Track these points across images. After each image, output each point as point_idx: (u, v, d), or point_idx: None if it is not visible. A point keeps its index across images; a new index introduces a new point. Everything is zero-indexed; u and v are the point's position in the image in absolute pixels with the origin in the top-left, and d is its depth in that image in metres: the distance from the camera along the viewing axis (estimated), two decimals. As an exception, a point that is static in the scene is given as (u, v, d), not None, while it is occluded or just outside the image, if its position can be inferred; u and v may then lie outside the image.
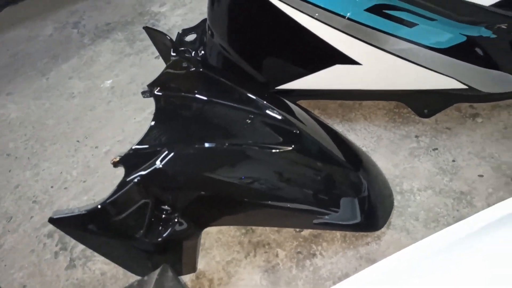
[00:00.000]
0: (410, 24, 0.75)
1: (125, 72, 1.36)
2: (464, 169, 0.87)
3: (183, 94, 0.76)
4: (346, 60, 0.85)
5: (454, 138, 0.93)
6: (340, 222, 0.80)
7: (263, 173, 0.78)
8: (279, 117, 0.76)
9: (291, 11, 0.82)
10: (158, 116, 0.74)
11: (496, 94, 0.87)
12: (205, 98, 0.76)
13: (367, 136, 0.98)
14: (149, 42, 1.35)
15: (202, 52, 1.06)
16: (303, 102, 1.07)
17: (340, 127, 1.02)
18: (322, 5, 0.78)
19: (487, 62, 0.77)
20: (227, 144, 0.71)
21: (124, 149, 1.11)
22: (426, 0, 0.69)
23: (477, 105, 0.97)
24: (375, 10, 0.75)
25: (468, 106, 0.97)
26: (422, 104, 0.95)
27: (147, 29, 0.97)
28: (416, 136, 0.95)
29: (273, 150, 0.73)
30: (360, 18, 0.77)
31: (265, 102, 0.78)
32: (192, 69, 0.77)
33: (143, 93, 0.79)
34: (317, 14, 0.79)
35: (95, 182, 1.05)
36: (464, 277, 0.53)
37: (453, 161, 0.89)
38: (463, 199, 0.83)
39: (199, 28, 1.13)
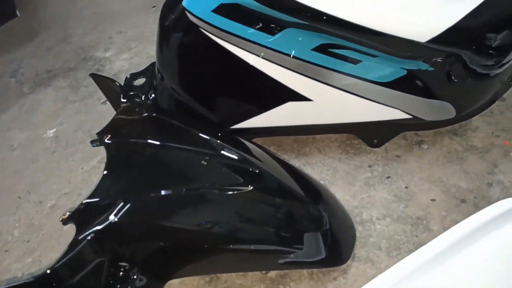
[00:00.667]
0: (354, 61, 0.79)
1: (70, 119, 1.30)
2: (417, 195, 0.91)
3: (135, 140, 0.73)
4: (297, 97, 0.87)
5: (404, 165, 0.97)
6: (306, 260, 0.79)
7: (224, 217, 0.76)
8: (236, 157, 0.76)
9: (239, 51, 0.83)
10: (110, 165, 0.71)
11: (438, 121, 0.93)
12: (159, 143, 0.74)
13: (323, 169, 1.00)
14: (94, 87, 1.31)
15: (153, 95, 1.04)
16: (258, 140, 1.08)
17: (296, 162, 1.03)
18: (271, 46, 0.80)
19: (427, 92, 0.82)
20: (184, 190, 0.69)
21: (71, 202, 1.05)
22: (367, 38, 0.73)
23: (421, 132, 1.02)
24: (321, 49, 0.79)
25: (413, 134, 1.02)
26: (371, 135, 0.99)
27: (94, 76, 0.94)
28: (369, 166, 0.98)
29: (233, 192, 0.72)
30: (308, 57, 0.80)
31: (220, 142, 0.78)
32: (145, 114, 0.76)
33: (92, 141, 0.75)
34: (265, 54, 0.81)
35: (40, 241, 0.97)
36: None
37: (406, 187, 0.93)
38: (420, 224, 0.86)
39: (147, 71, 1.11)
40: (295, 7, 0.72)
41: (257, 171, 0.76)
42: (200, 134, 0.75)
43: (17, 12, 1.89)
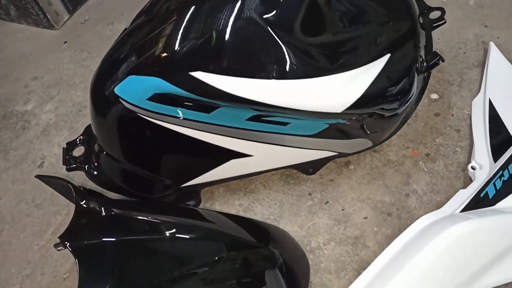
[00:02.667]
0: (284, 124, 0.89)
1: (8, 191, 1.27)
2: (352, 215, 1.06)
3: (100, 241, 0.78)
4: (239, 155, 0.96)
5: (338, 188, 1.12)
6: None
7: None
8: (197, 235, 0.84)
9: (180, 128, 0.89)
10: (83, 270, 0.75)
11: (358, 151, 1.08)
12: (124, 239, 0.79)
13: (271, 204, 1.12)
14: (25, 149, 1.29)
15: (95, 164, 1.07)
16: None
17: (246, 201, 1.13)
18: (208, 121, 0.87)
19: (346, 136, 0.95)
20: (156, 283, 0.76)
21: (36, 283, 1.06)
22: (291, 114, 0.83)
23: (347, 153, 1.17)
24: (254, 119, 0.87)
25: (341, 155, 1.17)
26: (306, 166, 1.12)
27: (40, 178, 0.95)
28: (309, 194, 1.12)
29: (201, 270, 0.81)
30: (243, 126, 0.88)
31: (178, 221, 0.85)
32: (103, 214, 0.80)
33: (56, 245, 0.79)
34: (204, 127, 0.88)
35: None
36: None
37: (343, 209, 1.08)
38: (358, 243, 1.02)
39: (85, 136, 1.12)
40: (221, 96, 0.79)
41: (218, 240, 0.85)
42: (158, 219, 0.82)
43: None
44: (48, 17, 1.72)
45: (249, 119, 0.88)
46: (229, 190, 1.15)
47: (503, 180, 0.98)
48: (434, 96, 1.27)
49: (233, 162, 0.98)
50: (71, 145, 1.13)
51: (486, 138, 1.11)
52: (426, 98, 1.27)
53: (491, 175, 0.99)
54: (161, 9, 0.87)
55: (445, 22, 1.01)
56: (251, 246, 0.95)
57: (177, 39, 0.80)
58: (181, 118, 0.86)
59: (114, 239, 0.79)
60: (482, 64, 1.32)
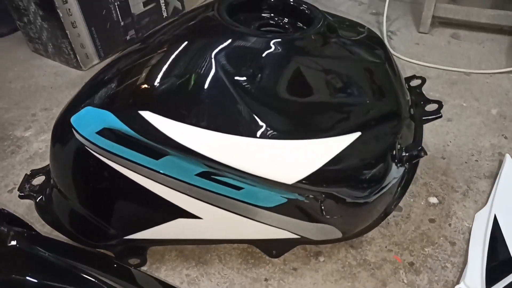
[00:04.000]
0: (237, 188, 0.80)
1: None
2: (307, 316, 0.90)
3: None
4: (187, 214, 0.86)
5: (299, 280, 0.96)
6: None
7: None
8: None
9: (127, 171, 0.82)
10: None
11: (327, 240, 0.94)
12: (14, 279, 0.69)
13: (220, 282, 0.98)
14: (4, 172, 1.27)
15: (47, 198, 1.00)
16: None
17: (195, 272, 1.00)
18: (156, 169, 0.80)
19: (308, 217, 0.83)
20: None
21: None
22: (240, 175, 0.74)
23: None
24: (204, 175, 0.79)
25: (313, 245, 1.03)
26: (270, 246, 0.99)
27: None
28: (266, 280, 0.97)
29: None
30: (192, 181, 0.80)
31: (98, 276, 0.74)
32: (8, 244, 0.72)
33: None
34: (151, 175, 0.80)
35: None
36: None
37: (298, 306, 0.92)
38: None
39: (48, 169, 1.08)
40: (167, 142, 0.73)
41: None
42: (73, 267, 0.72)
43: None
44: (78, 58, 1.82)
45: (199, 175, 0.80)
46: (182, 256, 1.03)
47: (492, 312, 0.79)
48: (433, 200, 1.14)
49: (180, 222, 0.88)
50: (34, 173, 1.09)
51: (483, 258, 0.94)
52: (424, 201, 1.13)
53: (479, 304, 0.82)
54: (134, 49, 0.87)
55: (440, 117, 0.92)
56: None
57: (131, 75, 0.78)
58: (129, 159, 0.80)
59: (11, 277, 0.70)
60: (494, 176, 1.18)
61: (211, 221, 0.88)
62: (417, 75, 1.05)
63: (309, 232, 0.88)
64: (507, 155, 1.20)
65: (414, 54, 1.78)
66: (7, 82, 1.82)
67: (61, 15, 1.70)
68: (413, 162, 0.84)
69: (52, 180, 0.99)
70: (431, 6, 1.88)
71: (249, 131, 0.71)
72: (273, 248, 1.00)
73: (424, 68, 1.68)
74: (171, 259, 1.03)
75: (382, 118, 0.79)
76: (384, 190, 0.85)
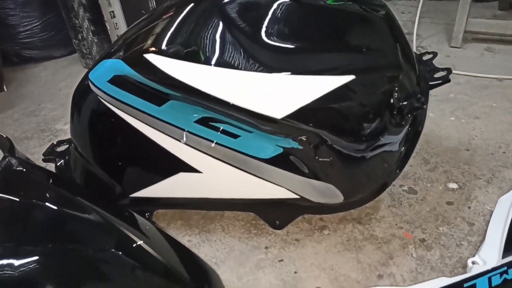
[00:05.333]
0: (233, 136, 0.82)
1: None
2: (304, 281, 0.85)
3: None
4: (188, 168, 0.88)
5: (300, 250, 0.93)
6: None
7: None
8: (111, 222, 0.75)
9: (132, 120, 0.87)
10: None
11: (333, 206, 0.91)
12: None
13: (220, 247, 0.96)
14: (40, 156, 1.37)
15: (66, 161, 1.07)
16: (168, 212, 1.07)
17: (197, 238, 1.00)
18: (158, 116, 0.84)
19: (305, 172, 0.82)
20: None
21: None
22: (234, 112, 0.76)
23: (326, 218, 1.00)
24: (203, 122, 0.82)
25: (319, 219, 1.00)
26: (273, 216, 0.97)
27: None
28: (266, 247, 0.94)
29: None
30: (191, 129, 0.83)
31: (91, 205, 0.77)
32: (18, 168, 0.77)
33: None
34: (154, 124, 0.84)
35: None
36: None
37: (295, 272, 0.87)
38: (296, 313, 0.79)
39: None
40: (170, 82, 0.77)
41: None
42: (81, 201, 0.76)
43: (4, 87, 2.08)
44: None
45: (198, 122, 0.83)
46: (187, 224, 1.04)
47: (505, 278, 0.71)
48: (453, 185, 1.07)
49: (182, 177, 0.90)
50: (59, 143, 1.17)
51: (503, 234, 0.85)
52: (442, 186, 1.07)
53: (490, 269, 0.74)
54: (145, 17, 0.95)
55: (448, 81, 0.90)
56: (172, 274, 0.80)
57: (140, 31, 0.85)
58: (135, 107, 0.85)
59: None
60: (523, 166, 1.09)
61: (211, 176, 0.89)
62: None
63: (308, 191, 0.86)
64: (538, 145, 1.12)
65: (443, 64, 1.75)
66: (57, 89, 2.01)
67: (108, 27, 1.89)
68: (414, 114, 0.81)
69: (72, 144, 1.07)
70: (463, 20, 1.86)
71: (243, 65, 0.74)
72: (276, 218, 0.98)
73: (453, 76, 1.64)
74: (176, 227, 1.04)
75: (379, 66, 0.78)
76: (382, 149, 0.83)
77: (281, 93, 0.73)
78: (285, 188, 0.86)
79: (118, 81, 0.85)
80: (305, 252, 0.92)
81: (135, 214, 0.90)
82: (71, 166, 1.06)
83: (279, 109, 0.73)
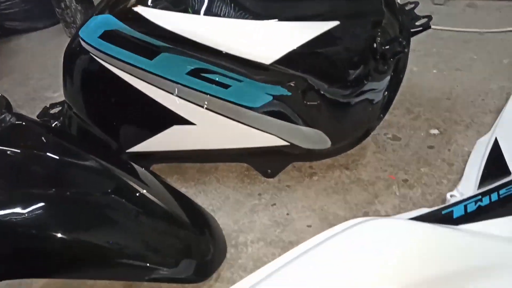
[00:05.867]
0: (224, 86, 0.85)
1: None
2: (296, 221, 0.91)
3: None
4: (181, 121, 0.92)
5: (292, 195, 0.98)
6: (172, 276, 0.79)
7: (102, 229, 0.77)
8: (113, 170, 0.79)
9: (125, 75, 0.90)
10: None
11: (321, 152, 0.96)
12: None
13: (215, 197, 1.01)
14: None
15: (61, 122, 1.10)
16: (164, 167, 1.11)
17: (193, 189, 1.05)
18: (150, 70, 0.87)
19: (294, 119, 0.86)
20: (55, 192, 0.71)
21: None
22: (225, 61, 0.79)
23: (316, 165, 1.05)
24: (194, 73, 0.85)
25: (308, 166, 1.05)
26: (264, 165, 1.02)
27: None
28: (259, 194, 1.00)
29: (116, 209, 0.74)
30: (184, 81, 0.86)
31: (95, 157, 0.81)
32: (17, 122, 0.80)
33: None
34: (147, 78, 0.87)
35: None
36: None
37: (287, 214, 0.93)
38: (289, 248, 0.84)
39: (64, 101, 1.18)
40: (161, 33, 0.80)
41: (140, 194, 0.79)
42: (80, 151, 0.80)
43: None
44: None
45: (190, 73, 0.86)
46: (183, 178, 1.08)
47: (479, 205, 0.77)
48: (434, 131, 1.12)
49: (175, 130, 0.94)
50: (52, 106, 1.20)
51: (479, 170, 0.91)
52: (424, 132, 1.12)
53: (466, 198, 0.80)
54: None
55: (429, 27, 0.94)
56: (175, 222, 0.85)
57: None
58: (127, 62, 0.87)
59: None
60: (500, 112, 1.15)
61: (204, 127, 0.92)
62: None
63: (297, 138, 0.91)
64: (514, 91, 1.17)
65: (427, 21, 1.78)
66: (44, 60, 2.00)
67: (92, -6, 1.86)
68: (396, 58, 0.85)
69: (66, 105, 1.09)
70: (445, -23, 1.88)
71: (232, 13, 0.77)
72: (268, 167, 1.03)
73: (436, 32, 1.67)
74: (172, 181, 1.08)
75: (362, 12, 0.82)
76: (367, 95, 0.87)
77: (269, 40, 0.76)
78: (276, 135, 0.91)
79: (109, 36, 0.87)
80: (296, 196, 0.98)
81: (135, 165, 0.94)
82: (67, 126, 1.09)
83: (267, 55, 0.76)
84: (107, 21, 0.86)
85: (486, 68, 1.38)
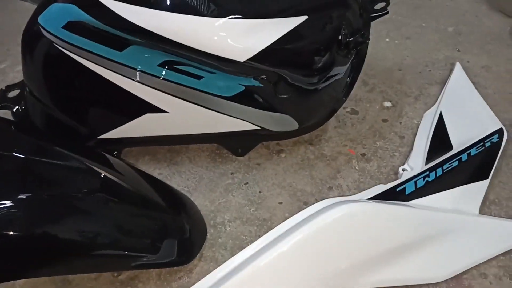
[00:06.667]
0: (197, 77, 0.87)
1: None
2: (268, 199, 1.00)
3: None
4: (154, 109, 0.93)
5: (262, 172, 1.06)
6: (157, 262, 0.84)
7: (79, 222, 0.79)
8: (88, 167, 0.80)
9: (93, 66, 0.88)
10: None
11: (289, 132, 1.03)
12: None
13: (190, 177, 1.06)
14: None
15: (23, 107, 1.06)
16: (135, 148, 1.12)
17: (167, 171, 1.09)
18: (120, 61, 0.86)
19: (265, 106, 0.91)
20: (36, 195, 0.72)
21: None
22: (197, 56, 0.81)
23: (282, 143, 1.12)
24: (166, 65, 0.86)
25: (276, 144, 1.12)
26: (235, 145, 1.07)
27: None
28: (232, 173, 1.06)
29: (88, 198, 0.76)
30: (155, 72, 0.87)
31: (69, 153, 0.81)
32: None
33: None
34: (116, 68, 0.86)
35: None
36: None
37: (260, 192, 1.01)
38: (264, 225, 0.94)
39: (23, 83, 1.13)
40: (129, 27, 0.79)
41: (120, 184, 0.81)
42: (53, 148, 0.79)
43: None
44: None
45: (161, 65, 0.86)
46: (155, 159, 1.12)
47: (427, 180, 0.90)
48: (387, 104, 1.23)
49: (148, 117, 0.95)
50: (10, 88, 1.14)
51: (426, 144, 1.04)
52: (379, 105, 1.22)
53: (415, 174, 0.92)
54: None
55: (387, 13, 0.99)
56: (156, 208, 0.89)
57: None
58: (94, 53, 0.86)
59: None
60: (445, 83, 1.27)
61: (178, 115, 0.95)
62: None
63: (267, 123, 0.96)
64: (457, 63, 1.29)
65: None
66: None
67: None
68: (358, 48, 0.91)
69: (27, 88, 1.05)
70: None
71: (203, 11, 0.77)
72: (238, 147, 1.08)
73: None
74: (144, 162, 1.11)
75: (329, 5, 0.85)
76: (332, 80, 0.93)
77: (242, 39, 0.78)
78: (247, 121, 0.96)
79: (74, 27, 0.85)
80: (266, 174, 1.05)
81: (106, 154, 0.95)
82: (30, 112, 1.05)
83: (241, 53, 0.79)
84: (71, 10, 0.83)
85: (434, 36, 1.48)
